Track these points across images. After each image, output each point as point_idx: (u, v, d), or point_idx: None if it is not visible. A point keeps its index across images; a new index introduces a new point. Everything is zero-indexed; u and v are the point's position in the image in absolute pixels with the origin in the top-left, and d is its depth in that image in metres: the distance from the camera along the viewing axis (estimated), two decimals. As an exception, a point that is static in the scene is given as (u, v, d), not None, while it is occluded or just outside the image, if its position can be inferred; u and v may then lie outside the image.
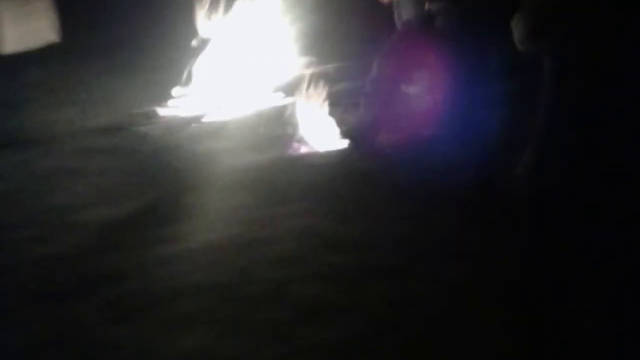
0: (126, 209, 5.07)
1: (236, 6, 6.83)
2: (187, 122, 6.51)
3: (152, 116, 6.66)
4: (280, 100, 6.67)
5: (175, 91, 6.91)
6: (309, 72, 6.43)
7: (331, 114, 6.02)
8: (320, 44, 7.18)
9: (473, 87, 5.48)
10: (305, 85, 6.04)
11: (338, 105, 6.21)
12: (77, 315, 3.90)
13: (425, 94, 6.00)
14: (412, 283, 4.00)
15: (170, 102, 6.85)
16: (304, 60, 6.97)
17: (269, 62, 6.92)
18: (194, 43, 6.92)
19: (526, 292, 3.75)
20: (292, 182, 5.29)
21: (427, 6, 5.65)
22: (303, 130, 5.93)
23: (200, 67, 6.86)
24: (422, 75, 5.98)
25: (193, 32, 6.91)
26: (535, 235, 3.76)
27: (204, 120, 6.53)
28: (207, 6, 6.82)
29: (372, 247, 4.42)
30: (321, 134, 5.91)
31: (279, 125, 6.14)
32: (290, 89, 6.47)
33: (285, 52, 6.99)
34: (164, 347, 3.66)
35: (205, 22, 6.87)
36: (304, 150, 5.83)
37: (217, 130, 6.32)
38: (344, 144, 5.80)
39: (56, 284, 4.20)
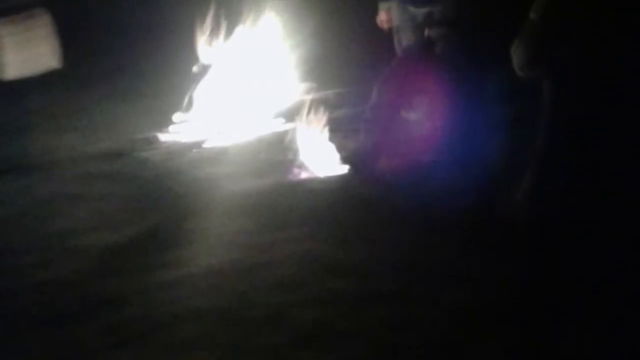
0: (127, 233, 5.07)
1: (237, 32, 6.87)
2: (188, 147, 6.53)
3: (153, 141, 6.68)
4: (281, 125, 6.69)
5: (176, 117, 6.93)
6: (309, 97, 6.45)
7: (331, 139, 6.03)
8: (320, 69, 7.20)
9: (472, 113, 5.51)
10: (305, 111, 6.06)
11: (338, 130, 6.23)
12: (77, 340, 3.90)
13: (424, 119, 6.01)
14: (412, 307, 4.01)
15: (171, 128, 6.87)
16: (304, 85, 7.00)
17: (269, 88, 6.95)
18: (195, 69, 6.95)
19: (526, 316, 3.75)
20: (292, 207, 5.30)
21: (426, 32, 5.68)
22: (303, 156, 5.95)
23: (201, 93, 6.89)
24: (422, 100, 5.99)
25: (194, 58, 6.94)
26: (535, 259, 3.76)
27: (205, 145, 6.55)
28: (207, 32, 6.86)
29: (372, 271, 4.43)
30: (321, 159, 5.92)
31: (279, 150, 6.16)
32: (291, 115, 6.49)
33: (285, 77, 7.02)
34: (165, 371, 3.67)
35: (205, 48, 6.91)
36: (304, 175, 5.84)
37: (218, 156, 6.33)
38: (344, 169, 5.82)
39: (57, 309, 4.20)
